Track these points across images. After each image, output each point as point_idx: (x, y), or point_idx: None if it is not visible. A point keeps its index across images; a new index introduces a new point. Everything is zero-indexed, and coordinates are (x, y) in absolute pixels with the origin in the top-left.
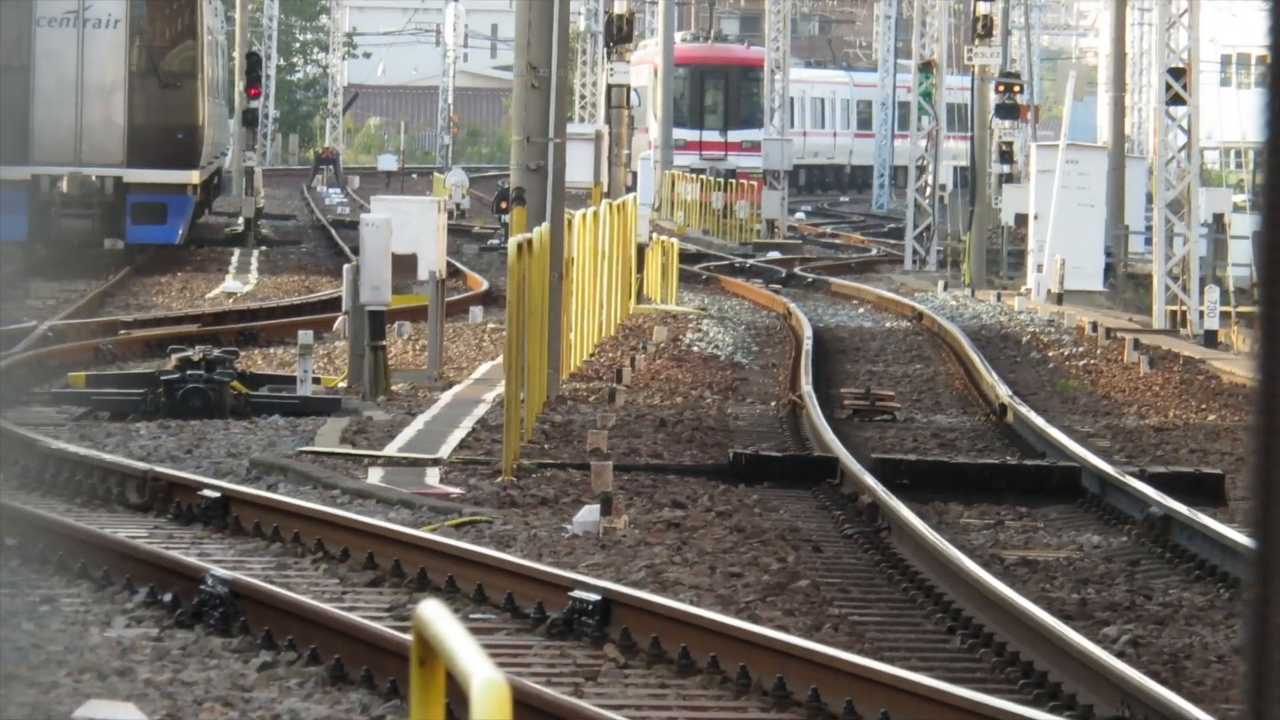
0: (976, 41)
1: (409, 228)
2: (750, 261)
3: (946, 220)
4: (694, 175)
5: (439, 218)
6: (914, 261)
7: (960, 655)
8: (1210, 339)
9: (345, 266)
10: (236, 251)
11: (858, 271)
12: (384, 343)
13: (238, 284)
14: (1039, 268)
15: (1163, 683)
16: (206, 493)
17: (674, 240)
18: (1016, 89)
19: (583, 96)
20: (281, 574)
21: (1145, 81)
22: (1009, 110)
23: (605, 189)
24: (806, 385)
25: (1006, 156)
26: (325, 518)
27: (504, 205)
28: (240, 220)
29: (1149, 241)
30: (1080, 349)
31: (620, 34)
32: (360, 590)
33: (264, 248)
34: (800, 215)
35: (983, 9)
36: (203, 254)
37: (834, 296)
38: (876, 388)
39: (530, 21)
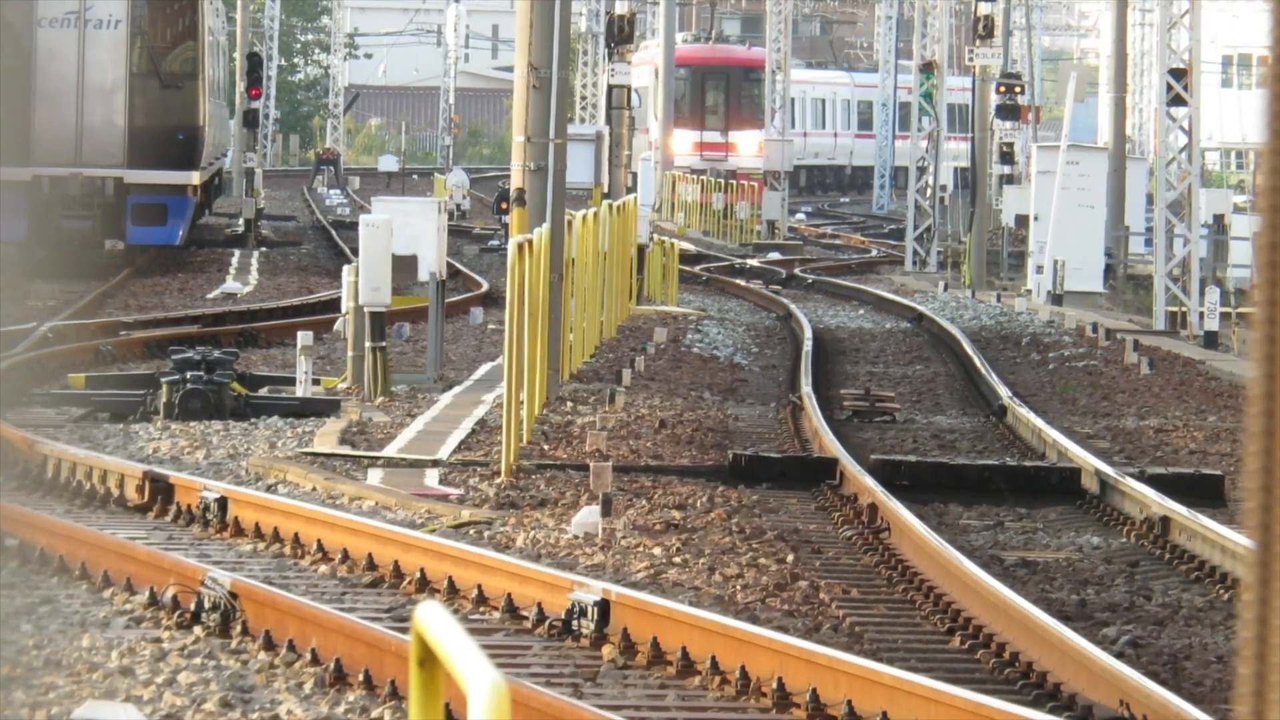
0: (977, 42)
1: (409, 229)
2: (750, 262)
3: (947, 221)
4: (694, 176)
5: (439, 219)
6: (914, 262)
7: (960, 656)
8: (1210, 340)
9: (345, 267)
10: (237, 252)
11: (858, 272)
12: (384, 344)
13: (238, 285)
14: (1039, 269)
15: (1162, 683)
16: (206, 494)
17: (674, 241)
18: (1017, 90)
19: (584, 97)
20: (281, 575)
21: (1146, 82)
22: (1010, 111)
23: (606, 190)
24: (806, 386)
25: (1007, 157)
26: (325, 519)
27: (504, 206)
28: (240, 221)
29: (1149, 243)
30: (1080, 350)
31: (621, 35)
32: (359, 591)
33: (264, 249)
34: (801, 216)
35: (984, 10)
36: (203, 255)
37: (834, 297)
38: (876, 389)
39: (531, 22)
